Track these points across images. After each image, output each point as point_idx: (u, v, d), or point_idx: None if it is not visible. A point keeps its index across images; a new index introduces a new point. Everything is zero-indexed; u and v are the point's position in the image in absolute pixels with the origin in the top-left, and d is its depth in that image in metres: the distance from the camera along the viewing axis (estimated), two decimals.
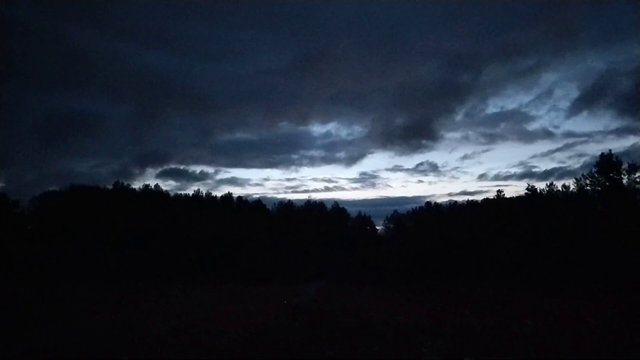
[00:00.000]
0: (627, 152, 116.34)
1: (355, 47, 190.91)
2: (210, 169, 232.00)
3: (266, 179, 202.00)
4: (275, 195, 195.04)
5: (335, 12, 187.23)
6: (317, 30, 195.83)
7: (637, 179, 43.96)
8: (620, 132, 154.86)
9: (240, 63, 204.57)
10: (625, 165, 44.60)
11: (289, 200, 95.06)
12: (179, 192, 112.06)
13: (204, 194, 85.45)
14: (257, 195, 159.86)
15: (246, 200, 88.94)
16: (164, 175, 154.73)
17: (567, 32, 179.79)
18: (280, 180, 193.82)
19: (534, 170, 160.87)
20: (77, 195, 72.20)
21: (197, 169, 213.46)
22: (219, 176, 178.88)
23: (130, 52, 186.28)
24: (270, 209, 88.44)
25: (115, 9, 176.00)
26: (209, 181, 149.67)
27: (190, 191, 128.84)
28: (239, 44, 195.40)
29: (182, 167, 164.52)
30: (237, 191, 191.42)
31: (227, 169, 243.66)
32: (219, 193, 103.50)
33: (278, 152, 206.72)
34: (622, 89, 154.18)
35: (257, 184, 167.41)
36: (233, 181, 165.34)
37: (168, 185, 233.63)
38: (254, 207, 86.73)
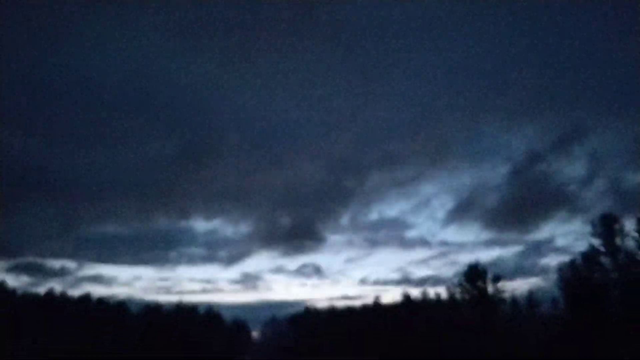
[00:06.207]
0: (494, 263, 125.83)
1: (242, 142, 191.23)
2: (72, 264, 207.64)
3: (137, 278, 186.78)
4: (144, 297, 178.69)
5: (224, 106, 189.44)
6: (204, 123, 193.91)
7: (500, 289, 46.86)
8: (488, 244, 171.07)
9: (116, 150, 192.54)
10: (490, 275, 47.51)
11: (159, 303, 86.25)
12: (31, 289, 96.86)
13: (58, 293, 74.81)
14: (124, 296, 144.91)
15: (107, 302, 79.16)
16: (15, 269, 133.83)
17: (442, 146, 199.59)
18: (152, 279, 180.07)
19: (410, 276, 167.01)
20: None
21: (57, 263, 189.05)
22: (83, 272, 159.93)
23: None
24: (136, 312, 79.59)
25: None
26: (70, 277, 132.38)
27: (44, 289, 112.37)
28: (116, 129, 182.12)
29: (39, 260, 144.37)
30: (101, 290, 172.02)
31: (92, 264, 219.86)
32: (79, 292, 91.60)
33: (153, 248, 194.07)
34: (489, 203, 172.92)
35: (125, 284, 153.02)
36: (98, 279, 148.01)
37: (20, 282, 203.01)
38: (115, 311, 77.38)
